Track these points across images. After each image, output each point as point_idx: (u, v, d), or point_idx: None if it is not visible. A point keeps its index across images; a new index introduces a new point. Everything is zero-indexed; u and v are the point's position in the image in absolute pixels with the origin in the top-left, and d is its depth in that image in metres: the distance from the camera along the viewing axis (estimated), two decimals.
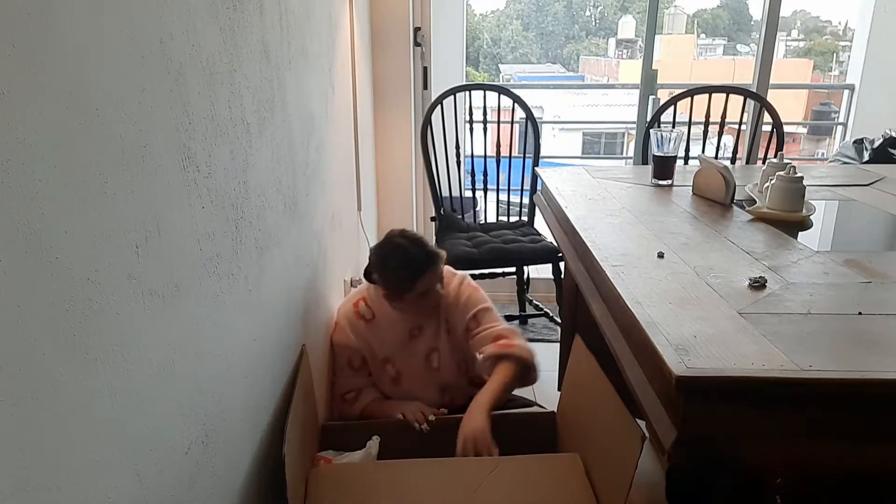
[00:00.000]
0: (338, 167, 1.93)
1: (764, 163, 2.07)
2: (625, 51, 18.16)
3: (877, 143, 2.77)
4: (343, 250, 2.03)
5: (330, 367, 1.76)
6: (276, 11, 1.27)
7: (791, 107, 10.41)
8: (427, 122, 2.44)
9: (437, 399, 1.70)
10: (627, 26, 18.84)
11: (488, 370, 1.56)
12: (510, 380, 1.54)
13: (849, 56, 3.93)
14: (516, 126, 2.64)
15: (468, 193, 2.76)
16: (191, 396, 0.88)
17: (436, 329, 1.69)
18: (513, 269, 2.67)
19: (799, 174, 1.48)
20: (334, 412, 1.75)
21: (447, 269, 1.71)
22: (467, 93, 2.74)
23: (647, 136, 2.36)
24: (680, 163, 2.01)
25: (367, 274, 1.67)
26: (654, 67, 3.06)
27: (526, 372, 1.58)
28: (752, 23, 19.01)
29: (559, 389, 1.71)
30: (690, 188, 1.73)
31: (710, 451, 0.84)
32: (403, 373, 1.70)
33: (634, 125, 3.23)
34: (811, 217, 1.48)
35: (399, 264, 1.56)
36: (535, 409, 1.73)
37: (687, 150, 2.53)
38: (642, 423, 1.05)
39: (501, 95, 2.51)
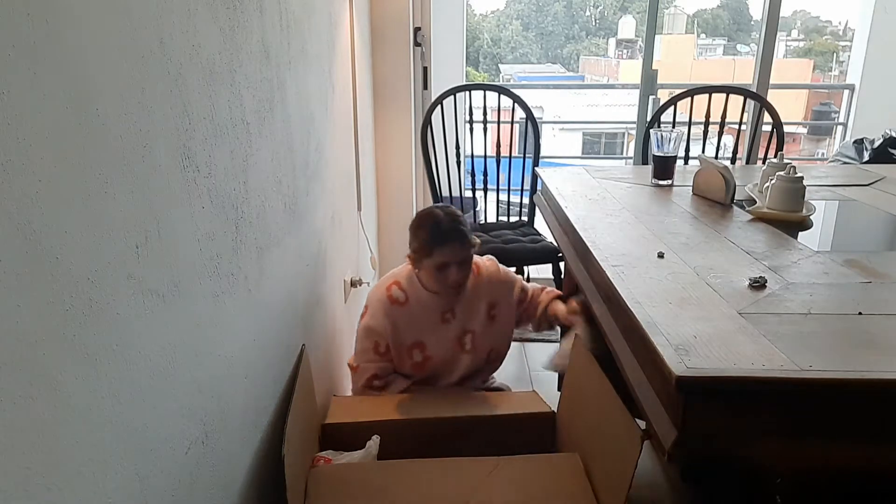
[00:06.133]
0: (338, 167, 1.93)
1: (764, 163, 2.07)
2: (625, 51, 18.16)
3: (877, 143, 2.78)
4: (343, 250, 2.03)
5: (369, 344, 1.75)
6: (276, 11, 1.27)
7: (791, 107, 10.41)
8: (427, 122, 2.44)
9: (457, 385, 1.76)
10: (627, 26, 18.84)
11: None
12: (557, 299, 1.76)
13: (849, 56, 3.93)
14: (516, 126, 2.64)
15: (468, 193, 2.76)
16: (191, 396, 0.88)
17: (470, 311, 1.74)
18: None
19: (799, 174, 1.48)
20: (357, 394, 1.77)
21: (487, 257, 1.83)
22: (467, 93, 2.74)
23: (647, 136, 2.36)
24: (680, 163, 2.01)
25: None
26: (654, 67, 3.06)
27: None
28: (752, 23, 19.02)
29: (559, 389, 1.71)
30: (690, 188, 1.73)
31: (710, 450, 0.84)
32: (433, 357, 1.73)
33: (634, 125, 3.23)
34: (811, 217, 1.48)
35: (426, 228, 1.64)
36: (535, 409, 1.73)
37: (687, 150, 2.53)
38: (642, 423, 1.05)
39: (501, 95, 2.51)
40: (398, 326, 1.70)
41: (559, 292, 1.81)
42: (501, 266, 1.83)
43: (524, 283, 1.83)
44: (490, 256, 1.85)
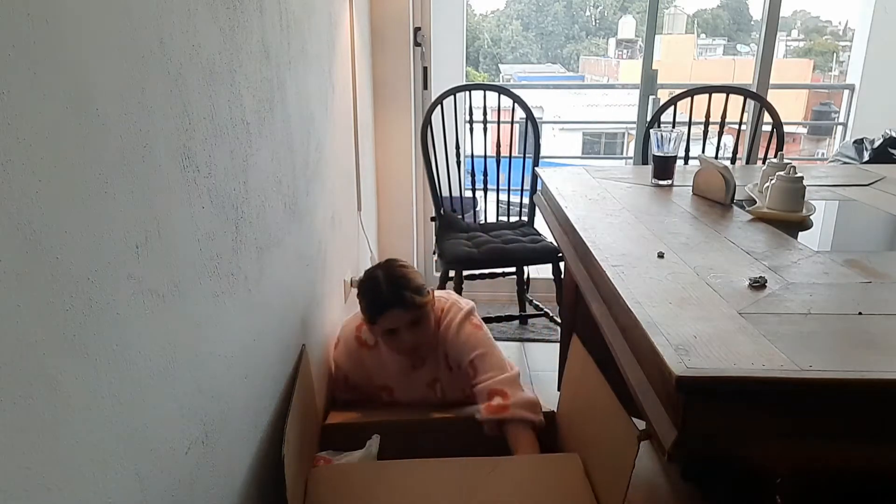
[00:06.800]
0: (338, 167, 1.93)
1: (764, 163, 2.07)
2: (625, 51, 18.17)
3: (877, 143, 2.77)
4: (343, 250, 2.03)
5: (329, 375, 1.80)
6: (276, 11, 1.27)
7: (791, 107, 10.42)
8: (427, 122, 2.44)
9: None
10: (627, 26, 18.86)
11: (491, 431, 1.51)
12: (527, 447, 1.48)
13: (849, 56, 3.93)
14: (516, 126, 2.64)
15: (468, 193, 2.76)
16: (191, 396, 0.88)
17: (436, 361, 1.67)
18: (513, 269, 2.67)
19: (799, 174, 1.48)
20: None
21: (454, 300, 1.67)
22: (467, 93, 2.74)
23: (647, 136, 2.36)
24: (680, 163, 2.01)
25: None
26: (654, 67, 3.06)
27: (531, 425, 1.51)
28: (752, 23, 19.03)
29: (559, 389, 1.71)
30: (690, 188, 1.73)
31: (710, 450, 0.84)
32: (401, 400, 1.71)
33: (634, 125, 3.23)
34: (811, 217, 1.48)
35: (365, 295, 1.57)
36: None
37: (687, 150, 2.53)
38: (641, 423, 1.05)
39: (501, 95, 2.51)
40: (366, 367, 1.70)
41: (498, 414, 1.49)
42: (468, 324, 1.62)
43: (481, 358, 1.58)
44: (469, 302, 1.68)
